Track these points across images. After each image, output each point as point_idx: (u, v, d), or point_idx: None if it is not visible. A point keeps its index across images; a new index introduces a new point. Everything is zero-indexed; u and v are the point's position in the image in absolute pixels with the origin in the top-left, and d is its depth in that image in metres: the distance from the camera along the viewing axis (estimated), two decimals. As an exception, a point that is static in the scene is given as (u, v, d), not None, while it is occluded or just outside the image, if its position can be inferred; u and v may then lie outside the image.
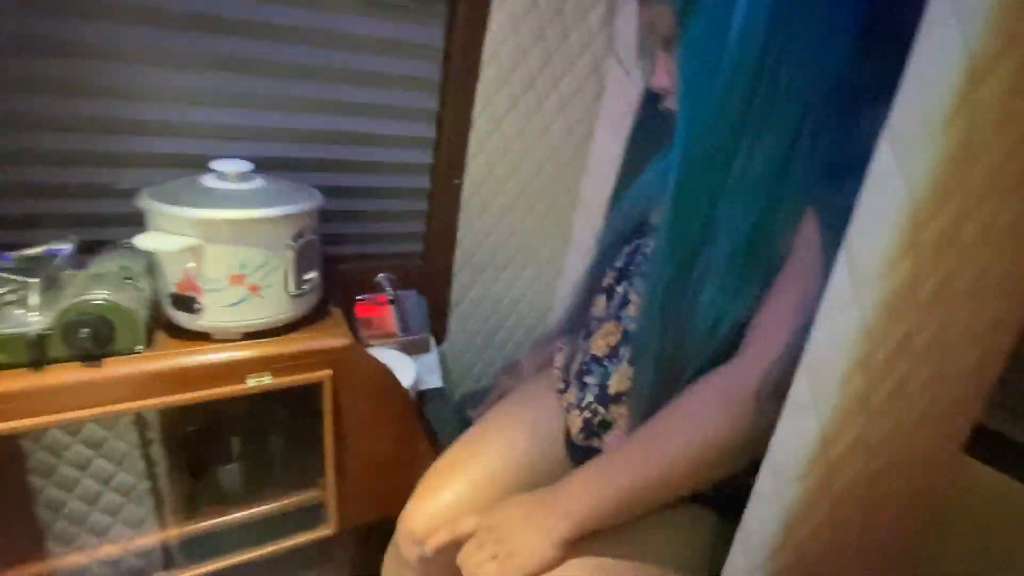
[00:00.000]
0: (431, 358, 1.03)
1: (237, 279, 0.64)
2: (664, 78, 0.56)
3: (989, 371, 0.47)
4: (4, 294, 0.57)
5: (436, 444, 0.90)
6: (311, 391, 0.72)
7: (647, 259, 0.62)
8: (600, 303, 0.68)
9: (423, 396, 1.00)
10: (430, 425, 0.96)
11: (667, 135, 0.60)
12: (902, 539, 0.55)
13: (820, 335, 0.35)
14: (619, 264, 0.66)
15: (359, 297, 0.96)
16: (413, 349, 1.00)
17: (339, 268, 0.93)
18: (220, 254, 0.63)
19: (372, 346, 0.95)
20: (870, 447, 0.40)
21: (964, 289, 0.36)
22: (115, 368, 0.59)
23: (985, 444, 0.57)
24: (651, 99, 0.70)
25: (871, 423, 0.38)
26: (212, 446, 0.81)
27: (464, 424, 1.11)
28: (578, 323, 0.72)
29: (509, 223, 1.06)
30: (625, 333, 0.61)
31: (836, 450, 0.38)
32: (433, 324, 1.05)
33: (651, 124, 0.67)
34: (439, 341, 1.09)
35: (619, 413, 0.61)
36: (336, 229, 0.93)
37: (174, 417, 0.79)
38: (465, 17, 0.82)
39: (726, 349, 0.49)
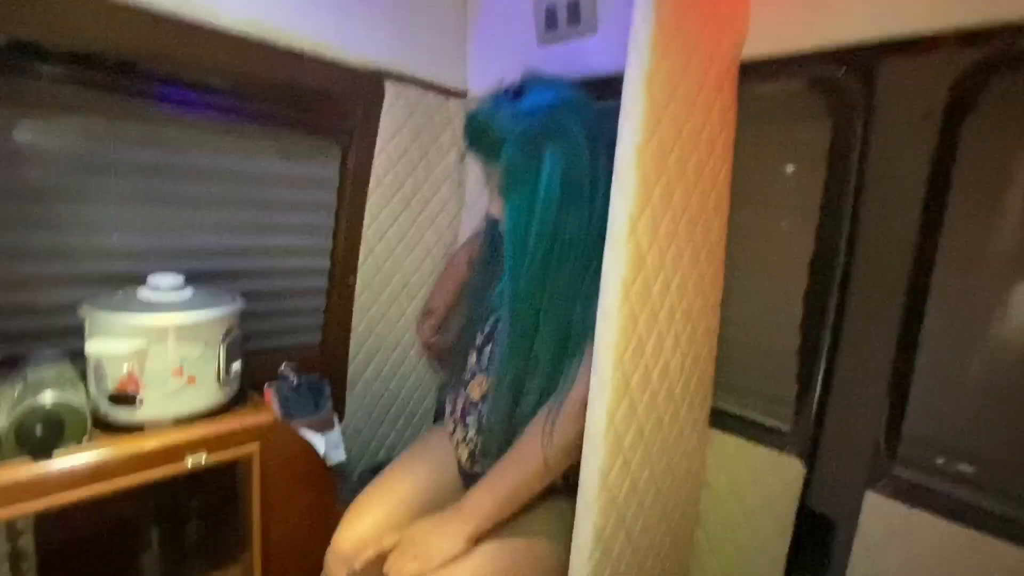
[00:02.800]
0: (335, 435, 1.16)
1: (178, 372, 0.77)
2: (496, 209, 0.86)
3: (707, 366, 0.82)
4: (-51, 405, 0.64)
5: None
6: (225, 475, 0.83)
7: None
8: (472, 359, 0.93)
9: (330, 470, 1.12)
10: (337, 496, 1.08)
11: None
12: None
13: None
14: (487, 330, 0.92)
15: (267, 384, 1.08)
16: (318, 427, 1.13)
17: (249, 363, 1.06)
18: (163, 352, 0.76)
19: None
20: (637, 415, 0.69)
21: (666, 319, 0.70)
22: (64, 461, 0.67)
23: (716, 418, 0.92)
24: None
25: (632, 400, 0.68)
26: (131, 538, 0.85)
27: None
28: (459, 377, 0.95)
29: (396, 311, 1.29)
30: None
31: (617, 418, 0.66)
32: (334, 404, 1.20)
33: (494, 233, 0.97)
34: (340, 419, 1.23)
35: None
36: (245, 328, 1.06)
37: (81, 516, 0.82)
38: (355, 160, 1.09)
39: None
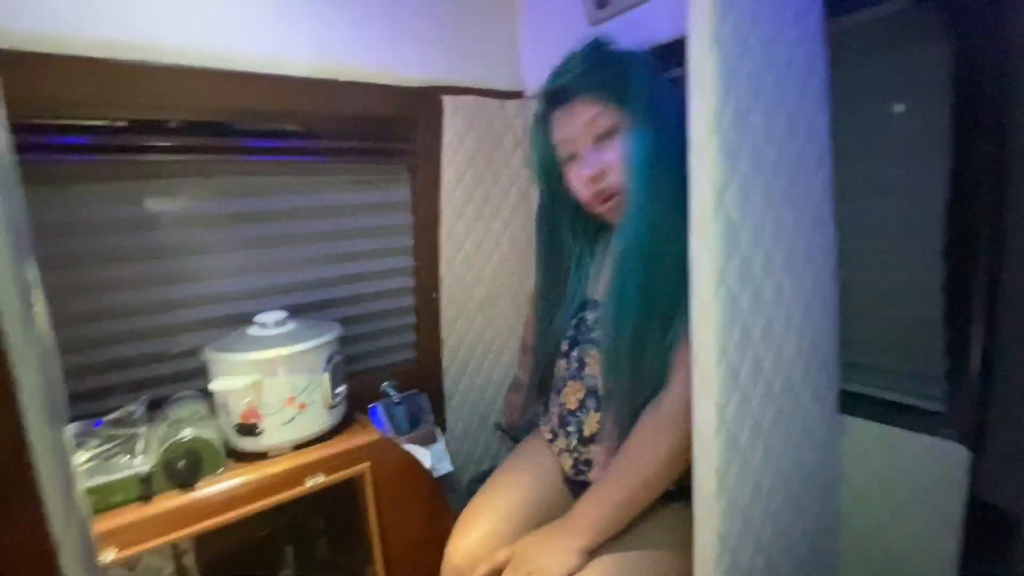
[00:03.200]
0: (439, 447, 1.19)
1: (290, 401, 0.83)
2: (580, 178, 0.79)
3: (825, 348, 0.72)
4: (112, 448, 0.73)
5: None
6: (345, 493, 0.87)
7: (592, 328, 0.85)
8: (561, 365, 0.89)
9: (438, 481, 1.14)
10: (449, 506, 1.10)
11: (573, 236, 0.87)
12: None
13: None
14: (569, 334, 0.89)
15: (371, 406, 1.14)
16: (423, 440, 1.16)
17: (353, 386, 1.11)
18: (276, 384, 0.82)
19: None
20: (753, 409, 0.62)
21: (771, 299, 0.62)
22: (207, 490, 0.74)
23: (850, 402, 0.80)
24: (551, 211, 0.95)
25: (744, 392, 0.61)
26: (271, 555, 0.93)
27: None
28: (549, 384, 0.93)
29: (481, 320, 1.29)
30: (587, 389, 0.83)
31: (729, 415, 0.60)
32: (435, 417, 1.23)
33: (559, 230, 0.93)
34: (442, 431, 1.25)
35: (595, 451, 0.81)
36: (345, 353, 1.12)
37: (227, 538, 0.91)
38: (423, 179, 1.12)
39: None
